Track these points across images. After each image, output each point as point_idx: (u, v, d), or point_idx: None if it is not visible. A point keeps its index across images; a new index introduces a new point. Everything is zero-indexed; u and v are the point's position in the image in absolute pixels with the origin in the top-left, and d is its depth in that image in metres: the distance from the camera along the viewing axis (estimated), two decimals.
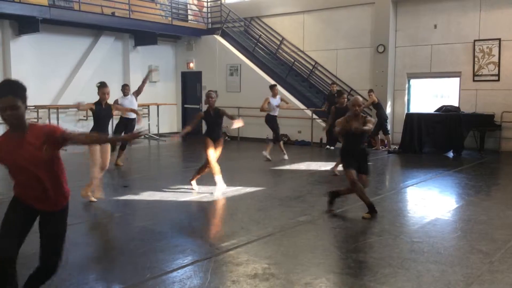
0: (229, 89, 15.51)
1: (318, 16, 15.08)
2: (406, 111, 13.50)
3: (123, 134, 9.76)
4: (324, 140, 13.23)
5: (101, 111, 6.71)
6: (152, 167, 10.66)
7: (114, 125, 9.93)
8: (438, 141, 11.84)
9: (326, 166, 9.78)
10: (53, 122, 12.74)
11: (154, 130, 15.66)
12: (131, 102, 9.83)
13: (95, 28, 14.12)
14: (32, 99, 12.39)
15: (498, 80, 12.18)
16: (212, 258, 4.39)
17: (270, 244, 4.88)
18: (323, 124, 13.46)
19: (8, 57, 12.49)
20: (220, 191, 7.21)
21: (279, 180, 8.69)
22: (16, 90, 2.82)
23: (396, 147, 12.40)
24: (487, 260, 4.31)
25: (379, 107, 12.40)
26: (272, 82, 13.95)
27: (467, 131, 11.73)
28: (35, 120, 12.92)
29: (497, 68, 12.18)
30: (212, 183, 7.60)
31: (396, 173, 9.87)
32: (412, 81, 13.85)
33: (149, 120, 15.53)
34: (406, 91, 13.83)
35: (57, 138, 2.90)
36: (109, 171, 7.96)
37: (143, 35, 15.07)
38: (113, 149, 9.63)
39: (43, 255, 3.06)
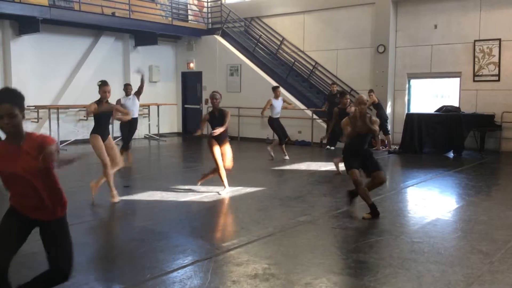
0: (229, 89, 15.51)
1: (318, 16, 15.08)
2: (406, 111, 13.50)
3: (128, 133, 9.79)
4: (324, 140, 13.24)
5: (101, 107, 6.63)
6: (152, 167, 10.66)
7: (119, 126, 9.91)
8: (438, 141, 11.84)
9: (326, 166, 9.78)
10: (53, 122, 12.78)
11: (154, 130, 15.67)
12: (133, 102, 9.83)
13: (95, 28, 14.13)
14: (32, 99, 12.37)
15: (498, 80, 12.18)
16: (212, 258, 4.39)
17: (270, 244, 4.88)
18: (324, 125, 13.52)
19: (8, 57, 12.50)
20: (225, 192, 7.20)
21: (279, 180, 8.69)
22: (14, 98, 2.81)
23: (397, 147, 12.40)
24: (487, 261, 4.31)
25: (379, 107, 12.41)
26: (273, 82, 14.00)
27: (467, 131, 11.72)
28: (36, 120, 12.94)
29: (497, 68, 12.17)
30: (213, 183, 7.61)
31: (396, 173, 9.86)
32: (412, 81, 13.85)
33: (149, 120, 15.55)
34: (406, 91, 13.83)
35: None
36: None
37: (143, 35, 15.08)
38: (126, 149, 9.64)
39: (49, 262, 3.03)
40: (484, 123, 11.70)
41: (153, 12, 15.63)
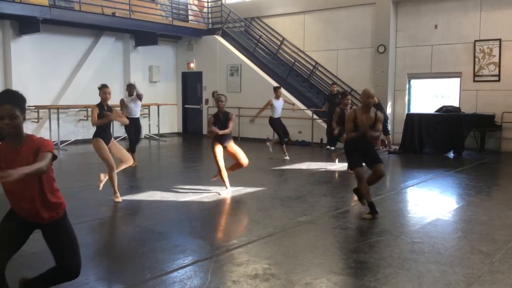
0: (229, 89, 15.51)
1: (318, 17, 15.08)
2: (406, 112, 13.50)
3: (135, 134, 9.85)
4: (325, 141, 13.25)
5: (103, 112, 6.66)
6: (152, 167, 10.66)
7: (125, 128, 9.93)
8: (439, 142, 11.84)
9: (327, 166, 9.79)
10: (54, 122, 12.79)
11: (154, 130, 15.67)
12: (136, 102, 9.85)
13: (95, 28, 14.13)
14: (33, 99, 12.40)
15: (499, 80, 12.18)
16: (212, 258, 4.38)
17: (270, 244, 4.88)
18: (324, 125, 13.51)
19: (8, 57, 12.50)
20: (226, 192, 7.20)
21: (279, 180, 8.69)
22: (15, 99, 2.82)
23: (397, 148, 12.40)
24: (487, 261, 4.31)
25: (379, 108, 12.36)
26: (273, 82, 14.00)
27: (468, 132, 11.72)
28: (36, 120, 12.94)
29: (497, 69, 12.17)
30: (213, 183, 7.61)
31: (396, 174, 9.86)
32: (413, 82, 13.84)
33: (149, 120, 15.54)
34: (407, 92, 13.82)
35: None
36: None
37: (143, 35, 15.08)
38: (133, 151, 9.67)
39: (56, 261, 3.03)
40: (484, 123, 11.70)
41: (153, 12, 15.63)
